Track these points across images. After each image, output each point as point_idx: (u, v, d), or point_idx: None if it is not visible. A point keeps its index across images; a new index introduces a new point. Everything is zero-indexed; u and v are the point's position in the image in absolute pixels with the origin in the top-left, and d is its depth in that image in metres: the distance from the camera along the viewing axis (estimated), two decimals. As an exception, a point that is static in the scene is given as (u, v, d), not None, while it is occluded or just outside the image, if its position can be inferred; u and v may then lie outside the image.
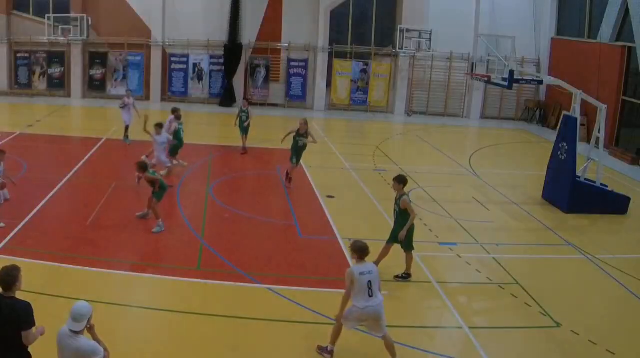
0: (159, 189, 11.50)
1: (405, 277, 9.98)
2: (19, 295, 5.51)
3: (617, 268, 11.14)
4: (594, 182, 14.75)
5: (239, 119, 18.26)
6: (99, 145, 18.47)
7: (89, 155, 17.17)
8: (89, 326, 5.34)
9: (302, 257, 10.90)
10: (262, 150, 19.38)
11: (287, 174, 15.03)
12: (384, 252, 9.92)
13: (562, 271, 11.15)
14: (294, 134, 14.76)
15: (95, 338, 5.42)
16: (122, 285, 9.32)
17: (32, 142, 18.26)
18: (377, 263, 9.40)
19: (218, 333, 8.09)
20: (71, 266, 9.67)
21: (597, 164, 14.93)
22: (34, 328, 5.39)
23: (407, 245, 9.92)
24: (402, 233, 9.65)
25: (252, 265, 10.24)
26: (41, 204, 12.52)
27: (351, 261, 8.84)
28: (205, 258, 10.50)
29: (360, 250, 7.32)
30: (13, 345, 5.33)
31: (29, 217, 11.69)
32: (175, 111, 15.63)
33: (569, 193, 14.37)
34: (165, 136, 14.29)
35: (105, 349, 5.37)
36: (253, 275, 9.77)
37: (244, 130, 18.20)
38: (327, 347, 7.62)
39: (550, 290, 10.07)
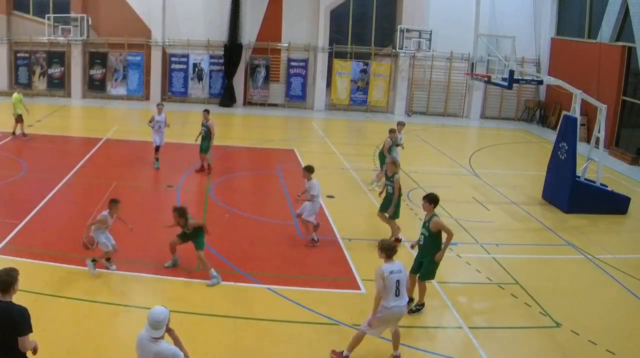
0: (200, 236, 9.65)
1: (419, 308, 8.96)
2: (16, 298, 5.47)
3: (617, 268, 11.13)
4: (594, 182, 14.75)
5: (199, 135, 15.75)
6: (99, 145, 18.48)
7: (89, 155, 17.18)
8: (168, 330, 5.31)
9: (302, 257, 10.90)
10: (262, 150, 19.38)
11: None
12: (412, 283, 8.81)
13: (562, 271, 11.15)
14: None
15: (177, 342, 5.38)
16: (122, 285, 9.31)
17: (32, 142, 18.26)
18: (410, 299, 8.55)
19: (218, 333, 8.09)
20: (71, 266, 9.67)
21: (597, 164, 14.93)
22: (30, 335, 5.33)
23: (427, 275, 8.87)
24: (440, 255, 8.65)
25: (252, 265, 10.24)
26: (41, 204, 12.52)
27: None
28: (206, 258, 10.47)
29: (389, 249, 7.33)
30: (9, 350, 5.27)
31: (29, 217, 11.70)
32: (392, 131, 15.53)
33: (569, 193, 14.37)
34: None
35: (186, 355, 5.30)
36: (253, 275, 9.77)
37: (202, 149, 15.64)
38: (342, 352, 7.53)
39: (550, 290, 10.07)
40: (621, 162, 20.86)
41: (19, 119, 18.51)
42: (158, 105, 16.41)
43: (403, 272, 7.32)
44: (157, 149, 15.98)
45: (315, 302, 9.00)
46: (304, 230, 11.59)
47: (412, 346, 8.02)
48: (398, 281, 7.20)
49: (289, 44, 27.81)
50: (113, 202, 9.60)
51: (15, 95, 18.81)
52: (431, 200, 8.71)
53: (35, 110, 24.01)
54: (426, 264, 8.78)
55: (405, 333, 8.15)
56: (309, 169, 11.36)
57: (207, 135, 15.48)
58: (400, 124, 16.03)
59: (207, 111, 15.93)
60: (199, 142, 15.73)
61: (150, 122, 16.04)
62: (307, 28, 27.75)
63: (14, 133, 18.60)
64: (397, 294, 7.21)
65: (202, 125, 15.65)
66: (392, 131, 15.51)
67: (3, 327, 5.21)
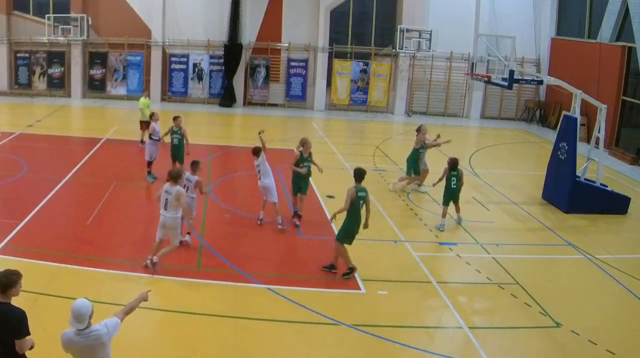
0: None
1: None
2: (19, 299, 5.45)
3: (617, 268, 11.13)
4: (594, 182, 14.75)
5: (171, 143, 14.48)
6: (99, 145, 18.47)
7: (88, 155, 17.17)
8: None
9: (302, 257, 10.90)
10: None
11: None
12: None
13: (562, 271, 11.15)
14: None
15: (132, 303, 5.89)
16: (122, 285, 9.31)
17: (32, 142, 18.25)
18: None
19: (218, 333, 8.09)
20: (71, 266, 9.68)
21: (597, 164, 14.93)
22: (27, 337, 5.31)
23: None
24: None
25: (252, 265, 10.24)
26: (41, 204, 12.51)
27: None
28: (205, 258, 10.50)
29: (170, 175, 9.61)
30: (5, 352, 5.24)
31: (29, 217, 11.69)
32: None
33: (569, 193, 14.36)
34: None
35: (132, 307, 5.86)
36: (253, 275, 9.77)
37: (178, 158, 14.38)
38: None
39: (550, 290, 10.07)
40: (621, 162, 20.85)
41: (147, 125, 16.44)
42: (153, 115, 15.11)
43: (173, 193, 9.41)
44: (150, 163, 14.73)
45: (315, 302, 8.99)
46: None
47: (412, 346, 8.02)
48: (167, 200, 9.49)
49: (289, 44, 27.81)
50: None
51: (142, 99, 17.90)
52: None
53: (35, 110, 24.10)
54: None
55: (405, 333, 8.17)
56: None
57: (180, 143, 14.26)
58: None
59: (178, 117, 14.48)
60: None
61: (151, 135, 14.67)
62: (307, 28, 27.73)
63: (142, 141, 17.38)
64: (166, 208, 9.47)
65: (174, 132, 14.23)
66: (423, 132, 15.71)
67: (1, 329, 5.18)
